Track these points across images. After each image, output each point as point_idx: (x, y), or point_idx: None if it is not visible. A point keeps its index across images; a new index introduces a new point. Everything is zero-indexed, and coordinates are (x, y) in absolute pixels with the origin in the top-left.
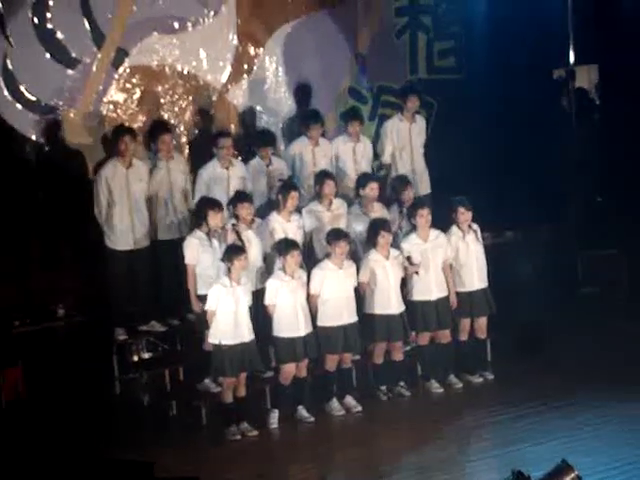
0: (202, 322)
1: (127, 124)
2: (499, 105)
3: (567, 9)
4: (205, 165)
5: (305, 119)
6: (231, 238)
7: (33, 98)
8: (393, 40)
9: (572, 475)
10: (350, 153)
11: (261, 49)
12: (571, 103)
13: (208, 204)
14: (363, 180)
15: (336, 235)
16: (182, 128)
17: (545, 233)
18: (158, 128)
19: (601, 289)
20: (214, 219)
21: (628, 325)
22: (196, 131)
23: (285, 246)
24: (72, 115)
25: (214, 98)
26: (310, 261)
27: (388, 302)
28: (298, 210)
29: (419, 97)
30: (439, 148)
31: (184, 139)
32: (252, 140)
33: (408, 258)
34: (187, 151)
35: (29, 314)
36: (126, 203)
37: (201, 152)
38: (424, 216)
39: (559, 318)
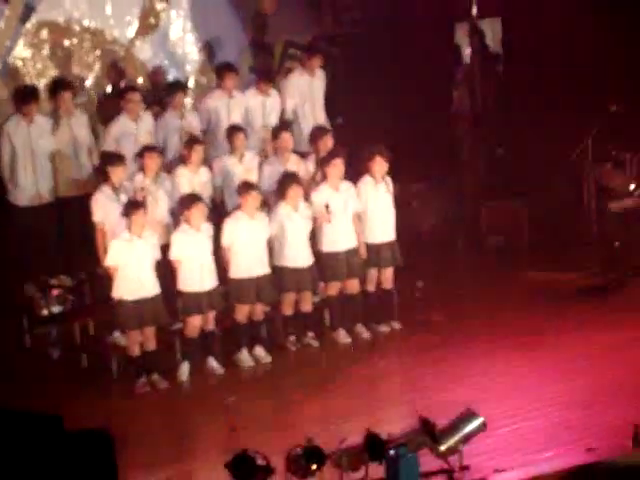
0: (110, 279)
1: (36, 79)
2: (403, 58)
3: None
4: (114, 119)
5: (219, 69)
6: (140, 197)
7: None
8: None
9: (478, 422)
10: (260, 107)
11: (167, 4)
12: (474, 56)
13: (107, 159)
14: (276, 131)
15: (247, 186)
16: (90, 83)
17: (448, 185)
18: (58, 86)
19: (504, 238)
20: (116, 174)
21: (530, 273)
22: (105, 85)
23: (189, 199)
24: None
25: (121, 53)
26: (222, 215)
27: (297, 255)
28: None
29: (323, 55)
30: (343, 101)
31: (93, 93)
32: (163, 93)
33: (326, 206)
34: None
35: None
36: (29, 159)
37: (110, 106)
38: (337, 166)
39: (464, 267)
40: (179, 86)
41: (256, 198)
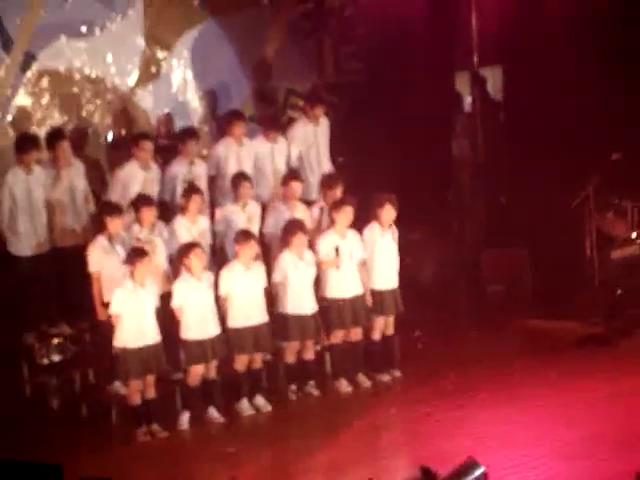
0: (111, 328)
1: (36, 128)
2: (404, 107)
3: (471, 10)
4: (122, 165)
5: (228, 117)
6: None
7: None
8: (301, 43)
9: (479, 471)
10: (269, 154)
11: (169, 52)
12: (475, 104)
13: (106, 209)
14: (286, 179)
15: (244, 236)
16: (91, 131)
17: (451, 232)
18: (56, 135)
19: (506, 287)
20: (113, 225)
21: (532, 322)
22: (106, 134)
23: (189, 248)
24: None
25: (123, 101)
26: (222, 263)
27: (301, 302)
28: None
29: (324, 105)
30: (343, 149)
31: (94, 142)
32: (169, 140)
33: (337, 249)
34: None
35: None
36: (27, 209)
37: (118, 153)
38: (347, 213)
39: (465, 315)
40: (191, 133)
41: (253, 248)
